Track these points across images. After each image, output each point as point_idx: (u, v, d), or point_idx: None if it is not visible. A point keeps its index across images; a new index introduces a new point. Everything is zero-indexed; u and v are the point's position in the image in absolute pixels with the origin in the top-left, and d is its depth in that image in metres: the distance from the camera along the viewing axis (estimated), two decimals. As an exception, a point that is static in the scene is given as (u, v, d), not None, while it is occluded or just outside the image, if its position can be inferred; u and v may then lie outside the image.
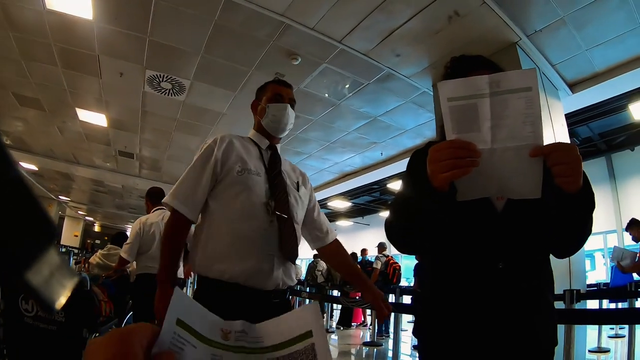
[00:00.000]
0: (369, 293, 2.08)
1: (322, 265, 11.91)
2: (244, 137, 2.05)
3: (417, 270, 8.40)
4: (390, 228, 1.34)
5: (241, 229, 1.77)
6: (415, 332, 1.40)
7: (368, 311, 10.20)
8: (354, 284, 2.24)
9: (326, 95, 6.38)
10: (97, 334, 3.12)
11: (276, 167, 1.97)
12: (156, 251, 4.01)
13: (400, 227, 1.31)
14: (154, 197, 4.57)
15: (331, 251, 2.24)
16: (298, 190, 2.03)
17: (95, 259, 5.47)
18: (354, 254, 10.75)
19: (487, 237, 1.24)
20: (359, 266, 2.31)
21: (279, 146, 2.11)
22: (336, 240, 2.27)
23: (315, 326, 0.64)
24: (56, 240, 0.51)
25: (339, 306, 10.76)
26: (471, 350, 1.20)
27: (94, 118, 8.21)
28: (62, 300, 0.48)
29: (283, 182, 1.95)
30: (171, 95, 6.76)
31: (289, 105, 2.03)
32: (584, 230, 1.18)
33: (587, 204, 1.10)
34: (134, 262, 4.38)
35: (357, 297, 7.42)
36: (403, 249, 1.37)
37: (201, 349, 0.53)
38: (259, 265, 1.74)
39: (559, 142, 1.01)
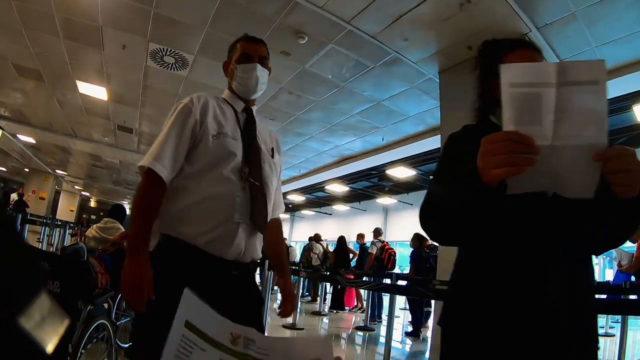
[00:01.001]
0: (282, 281, 2.05)
1: (318, 248, 11.97)
2: (219, 97, 1.92)
3: (414, 257, 8.41)
4: (427, 221, 1.26)
5: (211, 193, 1.66)
6: (443, 322, 1.32)
7: (360, 295, 10.27)
8: (275, 266, 2.16)
9: (330, 76, 6.32)
10: (93, 306, 3.11)
11: (251, 132, 1.86)
12: None
13: (439, 220, 1.24)
14: None
15: (271, 227, 1.96)
16: (272, 157, 1.93)
17: (91, 232, 5.44)
18: (342, 238, 10.82)
19: (534, 229, 1.17)
20: (286, 253, 2.26)
21: (255, 108, 1.99)
22: (278, 219, 2.13)
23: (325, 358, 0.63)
24: (46, 283, 0.50)
25: (331, 289, 10.84)
26: (510, 345, 1.14)
27: (94, 91, 8.14)
28: (53, 345, 0.48)
29: (258, 147, 1.84)
30: (174, 70, 6.69)
31: (258, 65, 1.89)
32: (628, 232, 1.14)
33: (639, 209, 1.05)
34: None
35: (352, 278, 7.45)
36: (442, 241, 1.33)
37: (209, 352, 0.53)
38: (220, 231, 1.63)
39: (621, 147, 0.92)
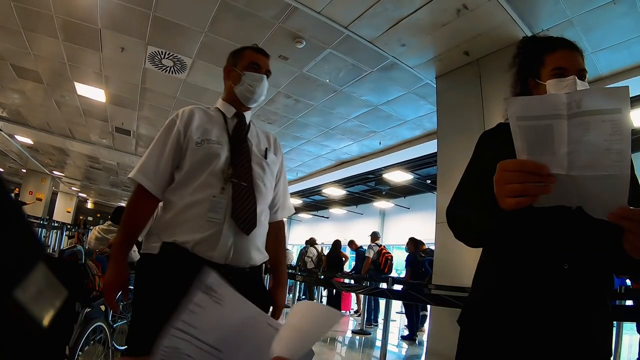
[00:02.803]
0: (275, 289, 2.02)
1: (312, 251, 11.95)
2: (209, 107, 1.98)
3: (409, 261, 8.43)
4: (454, 224, 1.28)
5: (193, 198, 1.71)
6: (462, 321, 1.34)
7: (356, 298, 10.26)
8: (272, 272, 2.09)
9: (328, 81, 6.34)
10: (90, 309, 3.12)
11: (240, 135, 1.89)
12: None
13: (464, 223, 1.25)
14: None
15: (272, 229, 2.00)
16: (266, 157, 1.93)
17: (94, 232, 5.49)
18: (337, 242, 10.80)
19: (555, 236, 1.17)
20: (285, 258, 2.19)
21: (249, 114, 2.02)
22: (281, 222, 2.12)
23: None
24: (44, 256, 0.50)
25: (326, 293, 10.82)
26: (522, 348, 1.15)
27: (93, 93, 8.13)
28: (49, 318, 0.48)
29: (246, 149, 1.86)
30: (172, 73, 6.71)
31: (265, 77, 1.96)
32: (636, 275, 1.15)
33: None
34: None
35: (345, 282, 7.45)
36: (465, 243, 1.29)
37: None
38: (203, 233, 1.66)
39: (634, 211, 0.87)
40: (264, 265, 1.91)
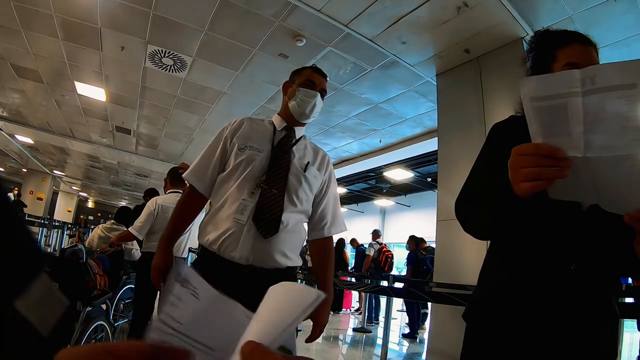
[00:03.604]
0: (319, 312, 2.00)
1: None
2: (263, 119, 2.11)
3: (410, 259, 8.43)
4: (462, 218, 1.28)
5: (226, 198, 1.84)
6: (467, 316, 1.34)
7: (358, 296, 10.27)
8: (319, 286, 2.09)
9: (328, 79, 6.31)
10: (91, 308, 3.12)
11: (284, 146, 1.98)
12: None
13: (473, 220, 1.25)
14: (174, 178, 4.46)
15: (317, 246, 2.12)
16: (305, 170, 1.99)
17: (97, 231, 5.51)
18: (340, 240, 10.79)
19: (564, 236, 1.16)
20: (332, 277, 2.20)
21: (302, 129, 2.12)
22: (329, 239, 2.16)
23: None
24: (45, 265, 0.50)
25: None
26: (527, 346, 1.15)
27: (93, 92, 8.13)
28: (50, 327, 0.48)
29: (287, 160, 1.94)
30: (172, 72, 6.70)
31: (318, 94, 2.04)
32: None
33: None
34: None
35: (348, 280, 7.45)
36: (473, 235, 1.29)
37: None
38: (228, 234, 1.77)
39: None
40: (297, 269, 2.01)
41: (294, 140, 2.04)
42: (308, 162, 2.02)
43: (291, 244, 1.90)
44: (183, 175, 2.01)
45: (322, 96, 2.08)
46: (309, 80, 2.05)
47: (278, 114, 2.11)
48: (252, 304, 0.55)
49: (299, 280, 9.27)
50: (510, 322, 1.19)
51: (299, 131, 2.09)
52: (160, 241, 2.00)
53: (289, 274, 1.90)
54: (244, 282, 1.73)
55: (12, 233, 0.46)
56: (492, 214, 1.14)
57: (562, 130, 0.83)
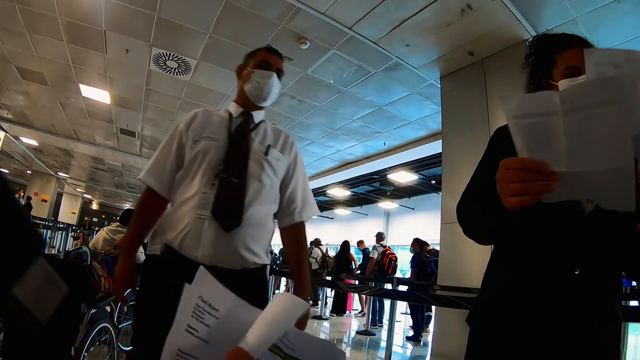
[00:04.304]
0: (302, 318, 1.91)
1: (317, 252, 11.94)
2: (217, 109, 2.01)
3: (414, 262, 8.41)
4: (463, 222, 1.27)
5: (186, 194, 1.72)
6: (470, 321, 1.33)
7: (363, 299, 10.25)
8: (292, 277, 1.99)
9: (332, 81, 6.34)
10: (95, 310, 3.13)
11: (242, 132, 1.87)
12: None
13: (474, 223, 1.25)
14: None
15: (289, 233, 1.97)
16: (267, 154, 1.85)
17: (102, 233, 5.51)
18: (345, 243, 10.77)
19: (567, 240, 1.15)
20: (308, 265, 2.07)
21: (261, 114, 2.00)
22: (301, 224, 1.99)
23: None
24: (42, 251, 0.50)
25: (332, 293, 10.81)
26: (530, 351, 1.14)
27: (97, 94, 8.17)
28: (49, 313, 0.48)
29: (245, 145, 1.83)
30: (176, 75, 6.72)
31: (275, 74, 1.93)
32: None
33: None
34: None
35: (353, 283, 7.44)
36: (475, 240, 1.28)
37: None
38: (187, 230, 1.65)
39: None
40: (267, 267, 1.87)
41: (252, 125, 1.92)
42: (269, 145, 1.90)
43: (257, 238, 1.75)
44: (139, 176, 1.87)
45: (279, 77, 1.97)
46: (264, 61, 1.94)
47: (234, 100, 2.00)
48: None
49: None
50: (512, 327, 1.19)
51: (257, 115, 1.97)
52: (121, 250, 1.87)
53: (257, 275, 1.78)
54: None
55: (9, 219, 0.45)
56: (492, 215, 1.12)
57: (546, 146, 0.83)
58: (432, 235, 8.27)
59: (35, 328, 0.48)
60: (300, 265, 1.95)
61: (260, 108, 2.00)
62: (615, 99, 0.75)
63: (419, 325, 7.69)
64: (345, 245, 10.69)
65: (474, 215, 1.24)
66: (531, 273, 1.20)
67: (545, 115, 0.81)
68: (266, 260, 1.82)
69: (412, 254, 8.69)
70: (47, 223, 13.70)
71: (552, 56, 1.29)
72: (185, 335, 0.52)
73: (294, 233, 1.97)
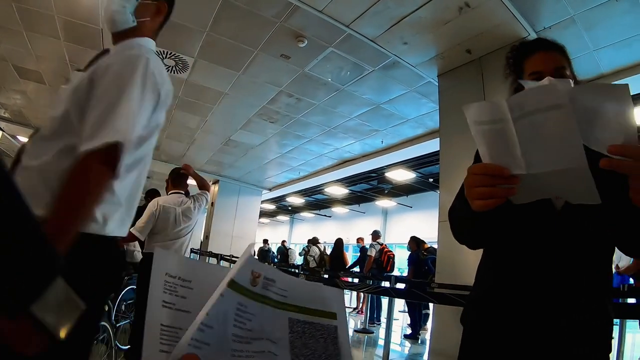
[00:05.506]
0: None
1: (315, 250, 11.96)
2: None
3: (412, 260, 8.43)
4: (452, 226, 1.31)
5: None
6: (463, 320, 1.36)
7: (361, 296, 10.27)
8: None
9: (330, 79, 6.34)
10: (93, 308, 3.12)
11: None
12: (171, 233, 4.03)
13: (458, 225, 1.29)
14: (176, 179, 4.44)
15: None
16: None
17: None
18: (339, 240, 10.78)
19: (543, 236, 1.19)
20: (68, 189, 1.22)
21: (115, 45, 1.69)
22: (85, 156, 1.28)
23: (340, 312, 0.64)
24: (61, 270, 0.51)
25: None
26: (517, 348, 1.17)
27: (95, 93, 8.11)
28: (66, 330, 0.50)
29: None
30: (174, 73, 6.69)
31: None
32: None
33: None
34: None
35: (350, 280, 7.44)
36: (463, 243, 1.32)
37: (229, 297, 0.51)
38: None
39: (635, 147, 0.81)
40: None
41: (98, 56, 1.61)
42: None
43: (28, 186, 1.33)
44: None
45: None
46: None
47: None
48: None
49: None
50: (500, 325, 1.21)
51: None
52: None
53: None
54: None
55: (29, 239, 0.46)
56: (470, 219, 1.16)
57: (504, 151, 0.89)
58: (429, 233, 8.30)
59: (52, 345, 0.49)
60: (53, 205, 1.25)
61: (114, 37, 1.72)
62: (557, 104, 0.80)
63: (417, 323, 7.71)
64: (339, 243, 10.71)
65: (460, 220, 1.27)
66: (514, 270, 1.23)
67: (500, 122, 0.86)
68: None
69: (409, 252, 8.72)
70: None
71: (522, 63, 1.34)
72: (163, 311, 0.53)
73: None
